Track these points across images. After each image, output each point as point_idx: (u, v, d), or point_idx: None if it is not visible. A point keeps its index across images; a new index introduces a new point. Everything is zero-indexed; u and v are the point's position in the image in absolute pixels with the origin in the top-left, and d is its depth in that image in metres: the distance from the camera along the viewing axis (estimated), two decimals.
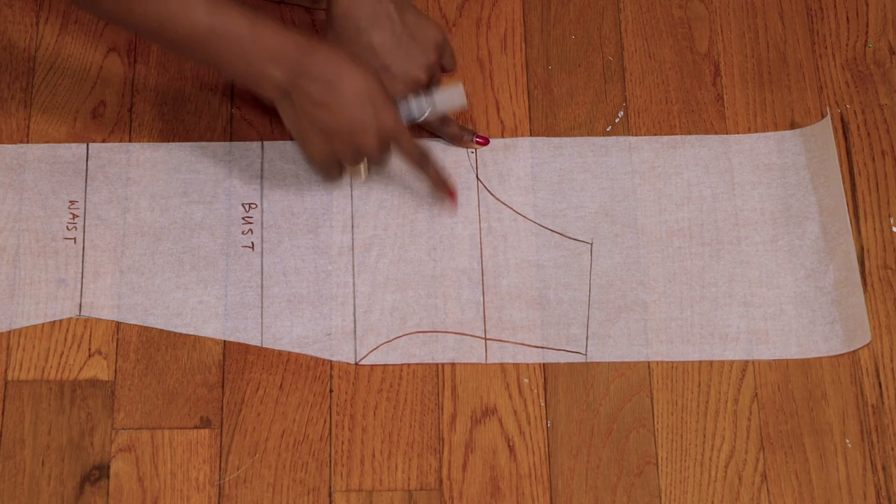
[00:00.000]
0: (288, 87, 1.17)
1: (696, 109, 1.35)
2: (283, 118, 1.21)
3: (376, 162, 1.23)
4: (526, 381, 1.24)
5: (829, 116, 1.33)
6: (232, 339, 1.25)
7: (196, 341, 1.24)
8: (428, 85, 1.28)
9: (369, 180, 1.30)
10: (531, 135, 1.34)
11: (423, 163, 1.24)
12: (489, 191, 1.31)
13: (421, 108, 1.25)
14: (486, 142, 1.32)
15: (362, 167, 1.26)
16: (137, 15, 1.12)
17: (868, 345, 1.25)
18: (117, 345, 1.24)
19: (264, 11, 1.15)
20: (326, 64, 1.16)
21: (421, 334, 1.25)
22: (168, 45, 1.16)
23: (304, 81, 1.16)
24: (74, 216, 1.29)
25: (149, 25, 1.13)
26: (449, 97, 1.26)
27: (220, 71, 1.19)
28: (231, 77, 1.18)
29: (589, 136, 1.34)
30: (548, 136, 1.34)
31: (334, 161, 1.23)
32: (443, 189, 1.27)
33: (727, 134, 1.34)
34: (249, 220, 1.29)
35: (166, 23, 1.12)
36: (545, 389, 1.23)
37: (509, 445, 1.21)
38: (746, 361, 1.25)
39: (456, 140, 1.32)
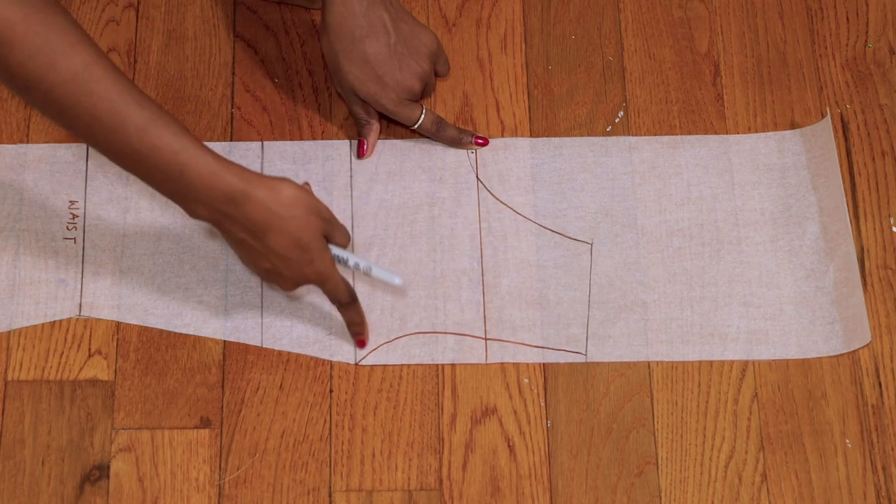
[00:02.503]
0: (214, 223, 1.13)
1: (696, 109, 1.35)
2: None
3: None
4: (526, 381, 1.24)
5: (829, 116, 1.33)
6: (232, 339, 1.25)
7: (196, 341, 1.24)
8: (422, 94, 1.28)
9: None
10: (531, 135, 1.34)
11: (346, 306, 1.21)
12: (489, 191, 1.31)
13: (356, 264, 1.19)
14: (485, 142, 1.32)
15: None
16: (68, 117, 1.07)
17: (868, 345, 1.25)
18: (117, 345, 1.24)
19: (194, 139, 1.09)
20: (255, 212, 1.11)
21: (421, 335, 1.25)
22: (99, 152, 1.10)
23: (230, 224, 1.12)
24: (74, 216, 1.29)
25: (78, 128, 1.08)
26: (387, 275, 1.20)
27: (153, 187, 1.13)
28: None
29: (589, 136, 1.34)
30: (548, 136, 1.34)
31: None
32: (356, 332, 1.24)
33: (727, 134, 1.34)
34: None
35: (97, 132, 1.07)
36: (545, 389, 1.23)
37: (509, 445, 1.21)
38: (746, 361, 1.25)
39: (455, 142, 1.32)
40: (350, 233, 1.21)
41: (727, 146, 1.33)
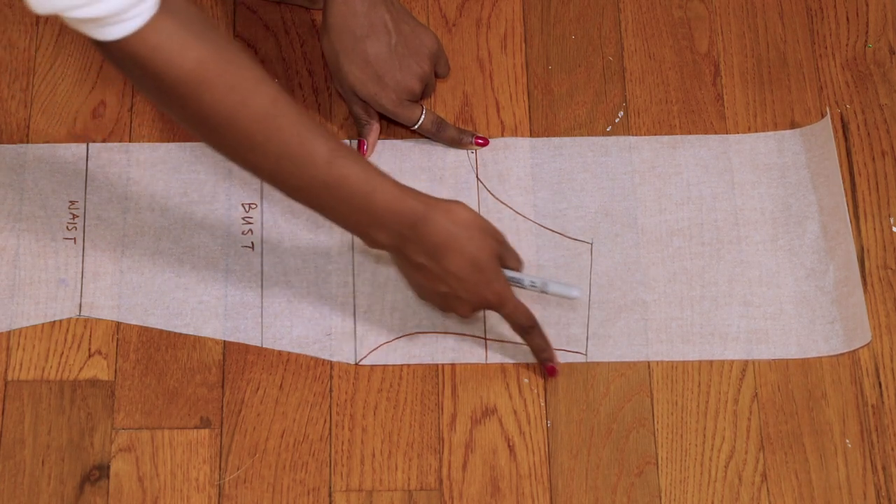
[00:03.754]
0: (393, 249, 1.14)
1: (696, 109, 1.35)
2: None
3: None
4: (526, 381, 1.24)
5: (828, 116, 1.33)
6: (232, 339, 1.25)
7: (196, 341, 1.24)
8: (422, 95, 1.28)
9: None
10: (531, 135, 1.34)
11: (528, 331, 1.20)
12: (489, 191, 1.31)
13: (532, 283, 1.19)
14: (485, 142, 1.32)
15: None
16: (258, 154, 1.07)
17: (868, 345, 1.25)
18: (117, 345, 1.24)
19: (375, 167, 1.11)
20: (435, 234, 1.13)
21: (421, 335, 1.25)
22: (281, 188, 1.11)
23: (410, 248, 1.14)
24: (74, 216, 1.29)
25: (265, 165, 1.08)
26: (564, 288, 1.20)
27: (327, 219, 1.14)
28: (340, 227, 1.15)
29: (589, 136, 1.34)
30: (548, 136, 1.34)
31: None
32: (545, 358, 1.22)
33: (727, 134, 1.34)
34: (249, 220, 1.29)
35: (284, 166, 1.08)
36: (545, 389, 1.23)
37: (509, 445, 1.21)
38: (746, 361, 1.25)
39: (455, 143, 1.32)
40: (521, 257, 1.21)
41: (727, 146, 1.33)
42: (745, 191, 1.31)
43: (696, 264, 1.29)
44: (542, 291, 1.19)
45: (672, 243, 1.29)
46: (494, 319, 1.25)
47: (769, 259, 1.29)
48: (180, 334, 1.25)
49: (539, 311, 1.26)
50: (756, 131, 1.34)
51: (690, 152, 1.33)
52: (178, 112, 1.05)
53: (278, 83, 1.08)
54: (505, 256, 1.18)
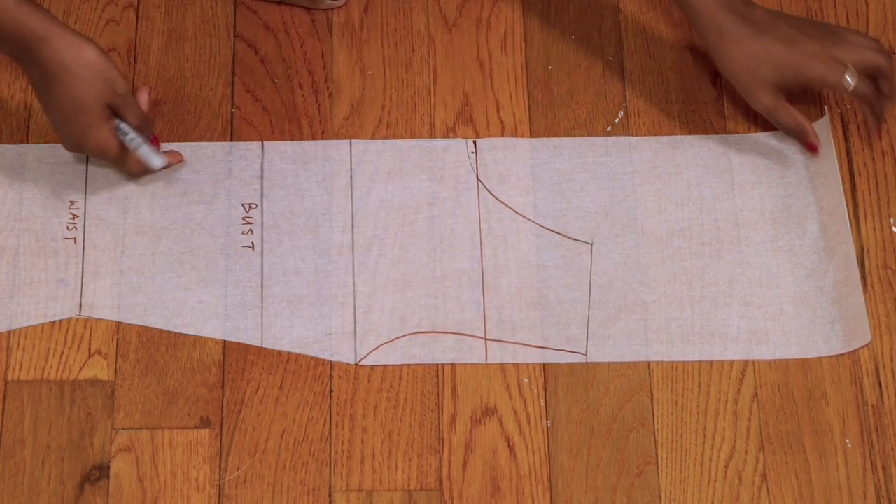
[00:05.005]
0: (18, 65, 1.20)
1: (696, 109, 1.35)
2: None
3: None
4: (526, 381, 1.24)
5: (827, 115, 1.33)
6: (232, 339, 1.25)
7: (196, 341, 1.25)
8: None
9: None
10: (531, 135, 1.34)
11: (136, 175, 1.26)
12: (489, 191, 1.31)
13: (131, 140, 1.24)
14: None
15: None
16: None
17: (868, 345, 1.25)
18: (117, 345, 1.24)
19: None
20: (50, 62, 1.17)
21: (421, 335, 1.25)
22: None
23: (28, 69, 1.19)
24: (74, 216, 1.29)
25: None
26: (149, 155, 1.26)
27: None
28: None
29: (589, 136, 1.34)
30: (548, 136, 1.34)
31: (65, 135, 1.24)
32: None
33: (727, 134, 1.34)
34: (249, 220, 1.29)
35: None
36: (545, 389, 1.23)
37: (509, 445, 1.21)
38: (746, 361, 1.25)
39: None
40: (144, 112, 1.25)
41: (727, 146, 1.33)
42: (745, 191, 1.31)
43: (696, 264, 1.29)
44: (135, 150, 1.24)
45: (672, 243, 1.29)
46: (494, 320, 1.25)
47: (769, 259, 1.29)
48: (180, 334, 1.25)
49: (539, 311, 1.26)
50: (756, 131, 1.34)
51: (690, 152, 1.33)
52: None
53: None
54: (123, 109, 1.22)
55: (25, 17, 1.16)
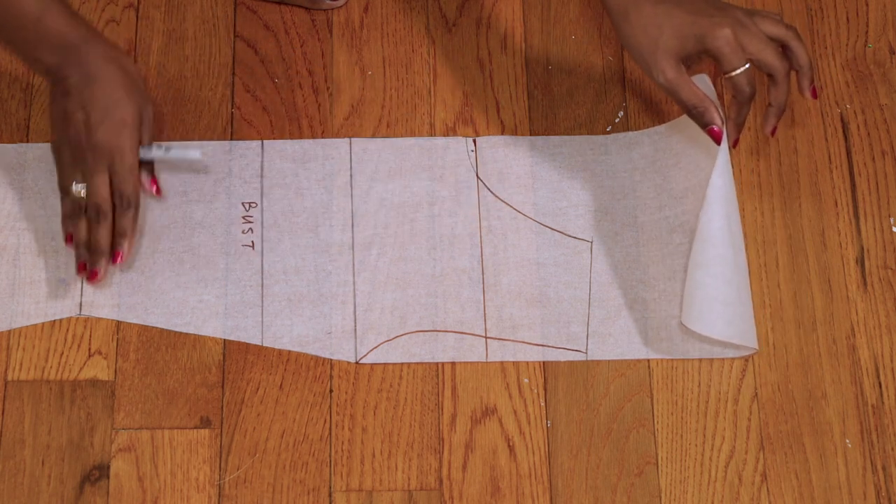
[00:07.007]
0: (55, 70, 1.20)
1: None
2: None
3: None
4: (526, 380, 1.24)
5: (706, 75, 1.24)
6: (232, 338, 1.25)
7: (196, 341, 1.24)
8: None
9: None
10: (531, 134, 1.34)
11: (126, 208, 1.21)
12: (489, 189, 1.31)
13: (160, 147, 1.24)
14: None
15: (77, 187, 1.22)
16: None
17: (868, 345, 1.25)
18: (117, 345, 1.24)
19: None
20: (95, 61, 1.19)
21: (421, 333, 1.25)
22: None
23: (68, 70, 1.19)
24: None
25: None
26: (183, 151, 1.24)
27: (3, 44, 1.22)
28: (11, 54, 1.22)
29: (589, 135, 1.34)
30: (547, 135, 1.34)
31: (64, 157, 1.23)
32: (115, 244, 1.22)
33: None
34: (249, 219, 1.29)
35: None
36: (545, 389, 1.23)
37: (509, 445, 1.21)
38: (746, 361, 1.25)
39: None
40: (159, 144, 1.25)
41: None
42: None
43: None
44: (166, 154, 1.23)
45: (672, 240, 1.29)
46: (495, 318, 1.25)
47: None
48: (180, 334, 1.25)
49: (539, 309, 1.26)
50: (755, 131, 1.34)
51: (686, 133, 1.30)
52: None
53: None
54: (143, 125, 1.22)
55: (73, 20, 1.19)
